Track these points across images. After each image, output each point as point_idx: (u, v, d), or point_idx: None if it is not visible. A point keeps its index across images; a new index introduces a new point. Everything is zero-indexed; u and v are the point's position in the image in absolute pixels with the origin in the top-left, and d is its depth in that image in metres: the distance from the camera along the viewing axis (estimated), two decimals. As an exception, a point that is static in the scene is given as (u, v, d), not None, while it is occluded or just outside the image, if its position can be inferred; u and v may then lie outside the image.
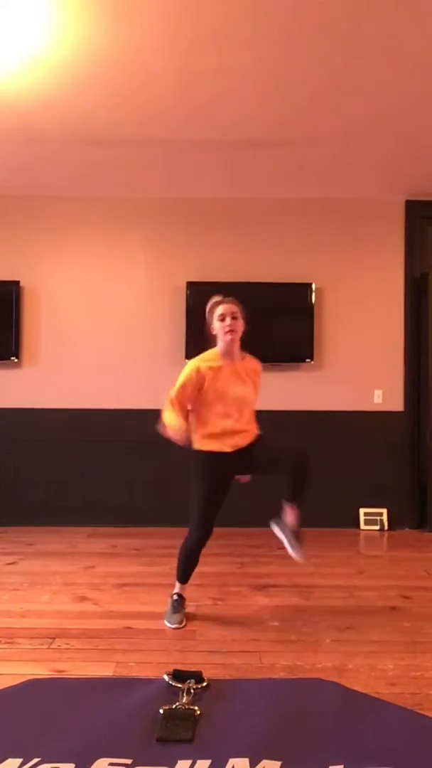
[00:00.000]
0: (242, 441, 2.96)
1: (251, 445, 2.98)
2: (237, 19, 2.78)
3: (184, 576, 2.99)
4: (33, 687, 0.98)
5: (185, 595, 2.99)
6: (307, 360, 5.01)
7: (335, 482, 5.04)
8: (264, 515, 4.98)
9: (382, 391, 5.08)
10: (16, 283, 5.01)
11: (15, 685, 0.90)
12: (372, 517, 5.00)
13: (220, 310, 2.92)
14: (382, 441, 5.04)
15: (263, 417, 5.02)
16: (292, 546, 3.04)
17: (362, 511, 5.01)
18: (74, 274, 5.11)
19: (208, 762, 0.79)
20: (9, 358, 5.00)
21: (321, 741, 0.84)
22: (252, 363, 3.06)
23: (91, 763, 0.79)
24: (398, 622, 2.91)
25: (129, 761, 0.80)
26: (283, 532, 3.10)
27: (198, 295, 5.00)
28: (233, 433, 2.93)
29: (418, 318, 5.06)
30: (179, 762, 0.80)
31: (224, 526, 4.90)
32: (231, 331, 2.88)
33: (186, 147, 4.12)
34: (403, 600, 3.22)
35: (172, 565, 3.78)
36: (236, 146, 4.10)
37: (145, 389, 5.04)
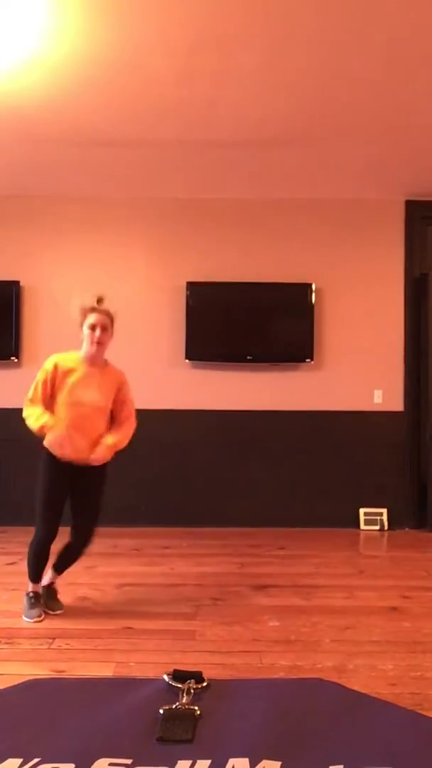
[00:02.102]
0: (81, 456, 2.90)
1: (90, 475, 2.96)
2: (237, 20, 2.79)
3: (35, 575, 3.05)
4: (33, 687, 0.98)
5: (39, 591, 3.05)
6: (307, 360, 5.01)
7: (335, 482, 5.04)
8: (264, 515, 5.00)
9: (382, 391, 5.08)
10: (16, 283, 5.01)
11: (15, 685, 0.90)
12: (372, 517, 5.00)
13: (91, 319, 2.96)
14: (382, 441, 5.04)
15: (263, 417, 5.02)
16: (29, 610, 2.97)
17: (362, 511, 5.01)
18: (74, 274, 5.11)
19: (208, 762, 0.79)
20: (9, 358, 4.99)
21: (321, 741, 0.84)
22: (115, 373, 3.08)
23: (91, 763, 0.79)
24: (398, 622, 2.91)
25: (129, 761, 0.80)
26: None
27: (198, 295, 5.00)
28: (72, 440, 2.88)
29: (418, 318, 5.06)
30: (179, 762, 0.79)
31: (224, 526, 4.93)
32: (98, 343, 2.95)
33: (186, 147, 4.12)
34: (403, 600, 3.22)
35: (172, 565, 3.79)
36: (236, 146, 4.10)
37: (145, 389, 5.03)
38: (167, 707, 0.90)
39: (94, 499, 3.03)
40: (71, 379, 2.94)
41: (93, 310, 3.01)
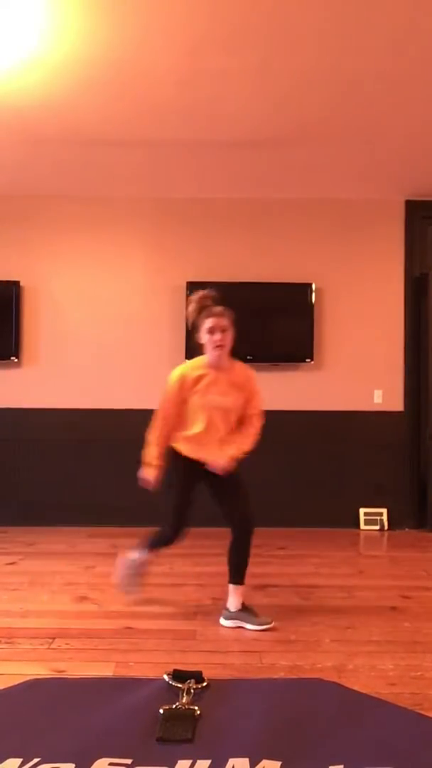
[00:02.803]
0: (210, 458, 2.91)
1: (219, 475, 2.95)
2: (237, 19, 2.78)
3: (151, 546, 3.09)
4: (33, 687, 0.98)
5: None
6: (307, 360, 5.01)
7: (335, 482, 5.04)
8: (264, 515, 4.98)
9: (382, 391, 5.08)
10: (16, 283, 5.01)
11: (15, 685, 0.90)
12: (372, 517, 5.00)
13: (209, 323, 2.90)
14: (382, 441, 5.04)
15: (264, 417, 5.03)
16: (252, 622, 2.83)
17: (362, 511, 5.01)
18: (74, 274, 5.11)
19: (208, 762, 0.79)
20: (9, 358, 4.99)
21: (321, 741, 0.84)
22: (241, 371, 3.01)
23: (91, 763, 0.79)
24: (398, 622, 2.90)
25: (129, 761, 0.80)
26: (239, 618, 2.86)
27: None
28: (207, 443, 2.91)
29: (418, 318, 5.06)
30: (179, 762, 0.80)
31: (224, 526, 4.92)
32: (220, 347, 2.89)
33: (186, 147, 4.12)
34: (403, 600, 3.22)
35: (171, 565, 3.79)
36: (236, 146, 4.10)
37: (145, 389, 5.04)
38: (167, 707, 0.90)
39: (234, 490, 2.99)
40: (200, 386, 2.90)
41: (209, 314, 2.92)
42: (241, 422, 3.01)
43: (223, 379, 2.93)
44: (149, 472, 2.95)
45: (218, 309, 2.93)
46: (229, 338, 2.92)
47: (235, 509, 2.99)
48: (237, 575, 2.93)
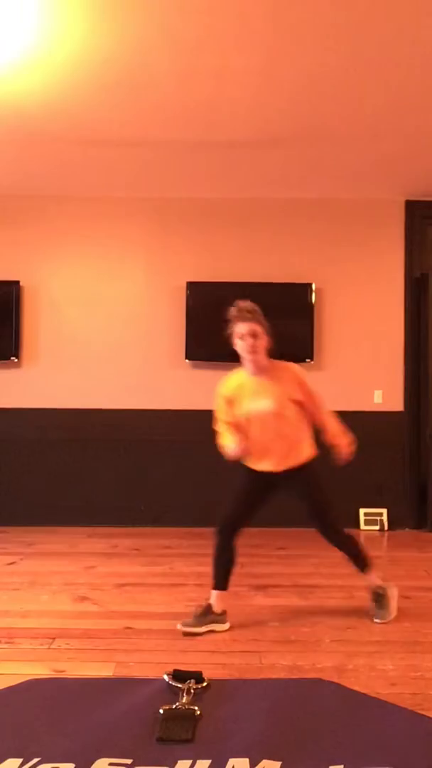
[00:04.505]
0: (278, 464, 2.89)
1: (294, 479, 2.93)
2: (237, 19, 2.78)
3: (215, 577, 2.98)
4: (33, 687, 0.98)
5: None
6: (307, 360, 5.00)
7: (335, 482, 5.01)
8: (264, 515, 4.98)
9: (382, 391, 5.08)
10: (16, 283, 5.01)
11: (15, 685, 0.90)
12: (372, 517, 4.99)
13: (240, 329, 2.84)
14: (382, 441, 5.04)
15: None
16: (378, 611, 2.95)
17: (362, 511, 5.01)
18: (74, 274, 5.11)
19: (208, 762, 0.79)
20: (9, 358, 5.00)
21: (321, 741, 0.84)
22: (283, 369, 2.93)
23: (91, 763, 0.79)
24: (398, 622, 2.90)
25: (129, 761, 0.80)
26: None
27: (198, 295, 5.00)
28: (265, 451, 2.88)
29: (418, 318, 5.06)
30: (179, 762, 0.79)
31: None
32: (252, 352, 2.84)
33: (186, 147, 4.12)
34: (403, 600, 3.21)
35: (171, 565, 3.79)
36: (236, 146, 4.10)
37: (145, 389, 5.05)
38: (167, 707, 0.90)
39: (310, 499, 3.00)
40: (243, 396, 2.88)
41: (238, 319, 2.86)
42: (316, 422, 2.96)
43: (265, 382, 2.88)
44: (229, 445, 2.83)
45: (247, 314, 2.87)
46: (261, 344, 2.86)
47: (315, 518, 3.05)
48: (357, 565, 3.08)
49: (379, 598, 2.94)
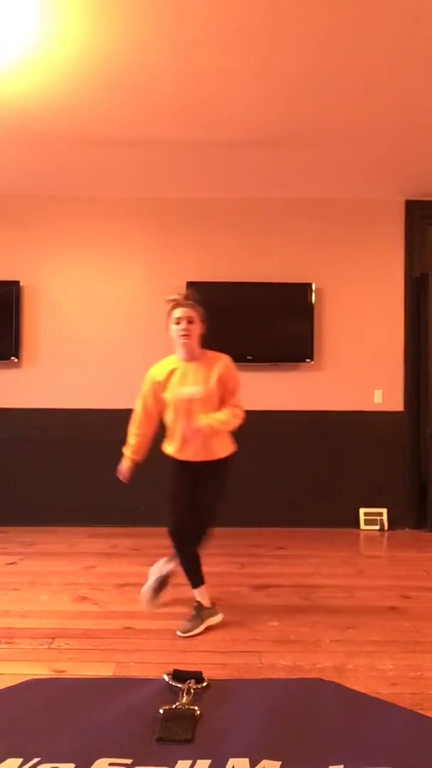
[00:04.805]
0: (197, 455, 2.91)
1: (208, 473, 2.95)
2: (237, 19, 2.78)
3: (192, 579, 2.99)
4: (33, 687, 0.98)
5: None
6: (307, 360, 5.01)
7: (335, 482, 5.04)
8: (264, 515, 4.99)
9: (382, 391, 5.08)
10: (16, 283, 5.01)
11: (15, 685, 0.90)
12: (372, 517, 5.00)
13: (176, 313, 2.92)
14: (382, 441, 5.04)
15: (263, 417, 5.01)
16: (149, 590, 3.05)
17: (362, 511, 5.01)
18: (74, 274, 5.11)
19: (208, 762, 0.79)
20: (9, 358, 5.00)
21: (321, 741, 0.84)
22: (213, 358, 2.98)
23: (91, 763, 0.79)
24: (398, 622, 2.91)
25: (129, 761, 0.80)
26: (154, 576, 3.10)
27: (198, 295, 4.99)
28: (186, 440, 2.90)
29: (418, 318, 5.06)
30: (179, 762, 0.79)
31: (224, 526, 4.92)
32: (185, 336, 2.90)
33: (186, 147, 4.12)
34: (403, 600, 3.22)
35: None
36: (236, 146, 4.10)
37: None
38: (167, 707, 0.90)
39: (206, 498, 2.97)
40: (172, 381, 2.92)
41: (175, 305, 2.94)
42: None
43: (193, 369, 2.94)
44: (123, 464, 3.00)
45: (185, 301, 2.95)
46: (196, 329, 2.93)
47: (198, 517, 2.99)
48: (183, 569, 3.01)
49: (198, 612, 2.85)
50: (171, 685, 0.98)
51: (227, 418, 2.86)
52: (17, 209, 5.10)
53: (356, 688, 2.04)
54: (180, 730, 0.84)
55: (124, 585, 3.45)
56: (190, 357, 2.95)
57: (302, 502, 5.00)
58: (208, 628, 2.79)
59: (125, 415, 5.02)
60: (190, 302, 2.95)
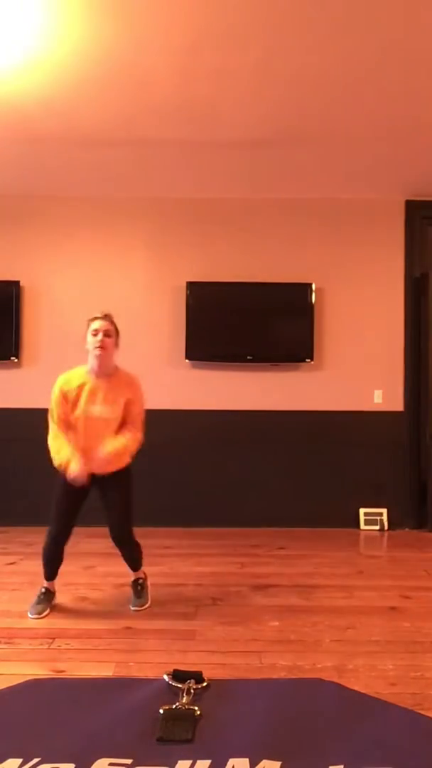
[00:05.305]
0: (98, 468, 2.94)
1: (110, 481, 3.00)
2: (237, 19, 2.78)
3: (48, 572, 3.09)
4: (33, 687, 0.98)
5: (54, 590, 3.11)
6: (307, 360, 5.01)
7: (335, 482, 5.04)
8: (264, 515, 4.99)
9: (382, 391, 5.08)
10: (16, 283, 5.01)
11: (15, 685, 0.90)
12: (372, 517, 5.00)
13: (94, 325, 2.95)
14: (382, 441, 5.04)
15: (264, 417, 5.01)
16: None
17: (362, 511, 5.01)
18: (74, 274, 5.11)
19: (208, 762, 0.79)
20: (9, 358, 4.99)
21: (321, 741, 0.84)
22: (125, 378, 3.03)
23: (91, 763, 0.79)
24: (398, 622, 2.91)
25: (129, 761, 0.80)
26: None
27: (198, 295, 5.00)
28: (88, 453, 2.91)
29: (418, 318, 5.06)
30: (179, 762, 0.79)
31: (224, 526, 4.94)
32: (101, 348, 2.91)
33: (186, 147, 4.12)
34: (403, 600, 3.22)
35: (172, 565, 3.79)
36: (236, 146, 4.10)
37: (145, 389, 5.03)
38: (167, 707, 0.90)
39: (118, 499, 3.05)
40: (81, 396, 2.93)
41: (95, 318, 3.00)
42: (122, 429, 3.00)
43: (104, 386, 2.95)
44: (74, 467, 2.87)
45: (104, 316, 3.00)
46: (111, 344, 2.96)
47: (112, 527, 3.09)
48: (132, 567, 3.17)
49: (140, 587, 3.12)
50: (171, 685, 0.98)
51: (129, 444, 2.95)
52: (17, 209, 5.10)
53: (356, 688, 2.04)
54: (180, 730, 0.84)
55: (124, 585, 3.45)
56: (102, 372, 2.97)
57: (302, 502, 5.00)
58: (208, 628, 2.80)
59: (125, 415, 5.04)
60: (108, 318, 3.01)
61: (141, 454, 5.19)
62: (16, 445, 5.02)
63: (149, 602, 3.09)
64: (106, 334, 2.94)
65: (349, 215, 5.12)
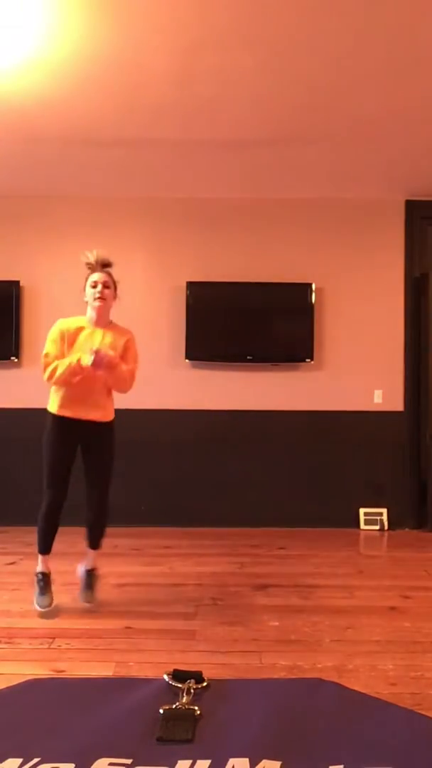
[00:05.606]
0: (91, 414, 2.95)
1: (99, 436, 2.99)
2: (237, 19, 2.79)
3: (42, 544, 3.08)
4: (33, 687, 0.98)
5: (49, 570, 3.09)
6: (307, 360, 5.01)
7: (335, 482, 5.04)
8: (264, 515, 4.99)
9: (382, 391, 5.08)
10: (16, 283, 5.01)
11: (15, 685, 0.90)
12: (372, 517, 5.00)
13: (93, 277, 2.99)
14: (382, 441, 5.04)
15: (263, 417, 5.01)
16: (82, 589, 3.12)
17: (362, 511, 5.01)
18: (74, 274, 5.09)
19: (208, 762, 0.79)
20: (9, 358, 5.00)
21: (321, 741, 0.84)
22: (121, 330, 3.07)
23: (91, 763, 0.78)
24: (398, 622, 2.91)
25: (129, 761, 0.79)
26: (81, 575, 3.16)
27: (198, 295, 5.00)
28: (82, 400, 2.92)
29: (418, 318, 5.06)
30: (179, 762, 0.79)
31: (224, 526, 4.93)
32: (100, 299, 2.95)
33: (186, 147, 4.12)
34: (403, 600, 3.22)
35: (171, 565, 3.79)
36: (236, 146, 4.10)
37: (145, 389, 5.03)
38: (167, 707, 0.90)
39: (103, 464, 3.04)
40: (77, 340, 2.94)
41: (93, 269, 3.03)
42: None
43: (101, 334, 2.98)
44: (84, 358, 2.81)
45: (104, 268, 3.03)
46: (111, 294, 2.99)
47: (94, 489, 3.03)
48: (92, 544, 3.13)
49: (93, 579, 3.09)
50: (171, 685, 0.98)
51: (128, 371, 2.96)
52: (17, 209, 5.10)
53: (356, 688, 2.03)
54: (180, 730, 0.84)
55: (124, 585, 3.45)
56: (101, 322, 3.01)
57: (302, 502, 5.00)
58: (208, 628, 2.80)
59: (125, 414, 5.03)
60: (108, 271, 3.04)
61: (141, 454, 5.20)
62: (16, 445, 5.02)
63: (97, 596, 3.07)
64: (105, 286, 2.99)
65: (349, 215, 5.12)
